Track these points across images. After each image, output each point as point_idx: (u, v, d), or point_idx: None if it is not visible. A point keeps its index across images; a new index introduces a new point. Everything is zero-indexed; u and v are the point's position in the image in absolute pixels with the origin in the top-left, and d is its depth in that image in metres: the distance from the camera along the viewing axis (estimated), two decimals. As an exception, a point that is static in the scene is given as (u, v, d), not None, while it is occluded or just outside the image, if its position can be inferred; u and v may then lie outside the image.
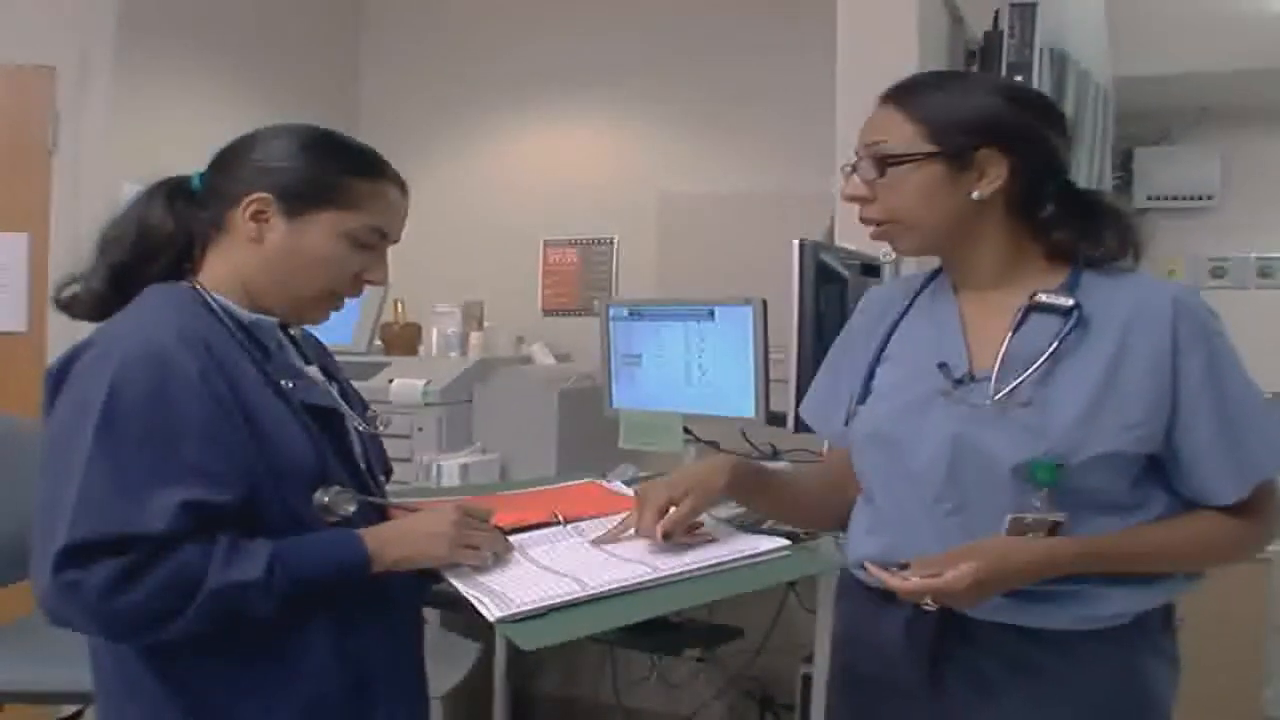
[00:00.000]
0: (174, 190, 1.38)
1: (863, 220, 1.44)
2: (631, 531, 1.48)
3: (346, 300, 1.42)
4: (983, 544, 1.28)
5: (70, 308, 1.36)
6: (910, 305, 1.50)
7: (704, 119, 3.61)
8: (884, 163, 1.36)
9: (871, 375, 1.47)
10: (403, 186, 1.40)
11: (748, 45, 3.53)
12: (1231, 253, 4.14)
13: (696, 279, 3.43)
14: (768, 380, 2.63)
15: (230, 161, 1.36)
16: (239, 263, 1.34)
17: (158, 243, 1.35)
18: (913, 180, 1.35)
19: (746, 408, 2.68)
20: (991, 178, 1.34)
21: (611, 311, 2.96)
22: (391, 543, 1.30)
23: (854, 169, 1.41)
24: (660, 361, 2.85)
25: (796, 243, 1.94)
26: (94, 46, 3.12)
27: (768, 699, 3.35)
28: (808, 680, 2.64)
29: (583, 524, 1.55)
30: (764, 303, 2.62)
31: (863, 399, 1.46)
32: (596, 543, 1.48)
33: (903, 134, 1.36)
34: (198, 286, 1.33)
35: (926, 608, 1.29)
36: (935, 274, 1.50)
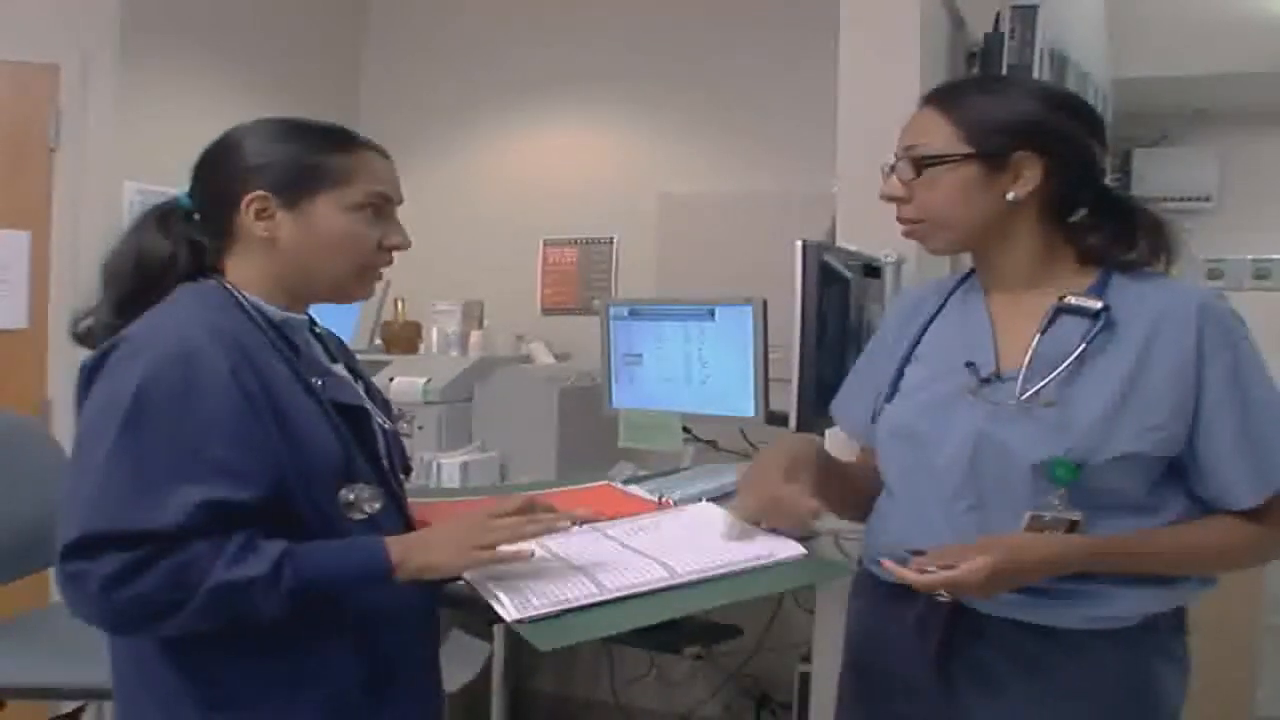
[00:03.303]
0: (165, 213, 1.38)
1: (899, 219, 1.45)
2: (650, 523, 1.48)
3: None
4: (999, 538, 1.29)
5: (86, 340, 1.37)
6: (942, 306, 1.51)
7: (704, 119, 3.62)
8: (921, 163, 1.38)
9: (901, 374, 1.48)
10: (382, 151, 1.41)
11: (749, 46, 3.53)
12: (1228, 254, 4.15)
13: (695, 279, 3.44)
14: (767, 380, 2.64)
15: (215, 169, 1.37)
16: (263, 264, 1.34)
17: (158, 268, 1.35)
18: (948, 180, 1.37)
19: (746, 407, 2.69)
20: (1026, 180, 1.36)
21: (612, 311, 2.97)
22: (414, 550, 1.29)
23: (893, 169, 1.43)
24: (660, 361, 2.86)
25: (800, 243, 1.94)
26: (96, 45, 3.12)
27: (765, 697, 3.36)
28: (805, 679, 2.65)
29: (600, 525, 1.55)
30: (764, 303, 2.63)
31: (890, 397, 1.47)
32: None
33: (941, 135, 1.38)
34: (228, 285, 1.34)
35: (940, 599, 1.30)
36: (968, 275, 1.52)
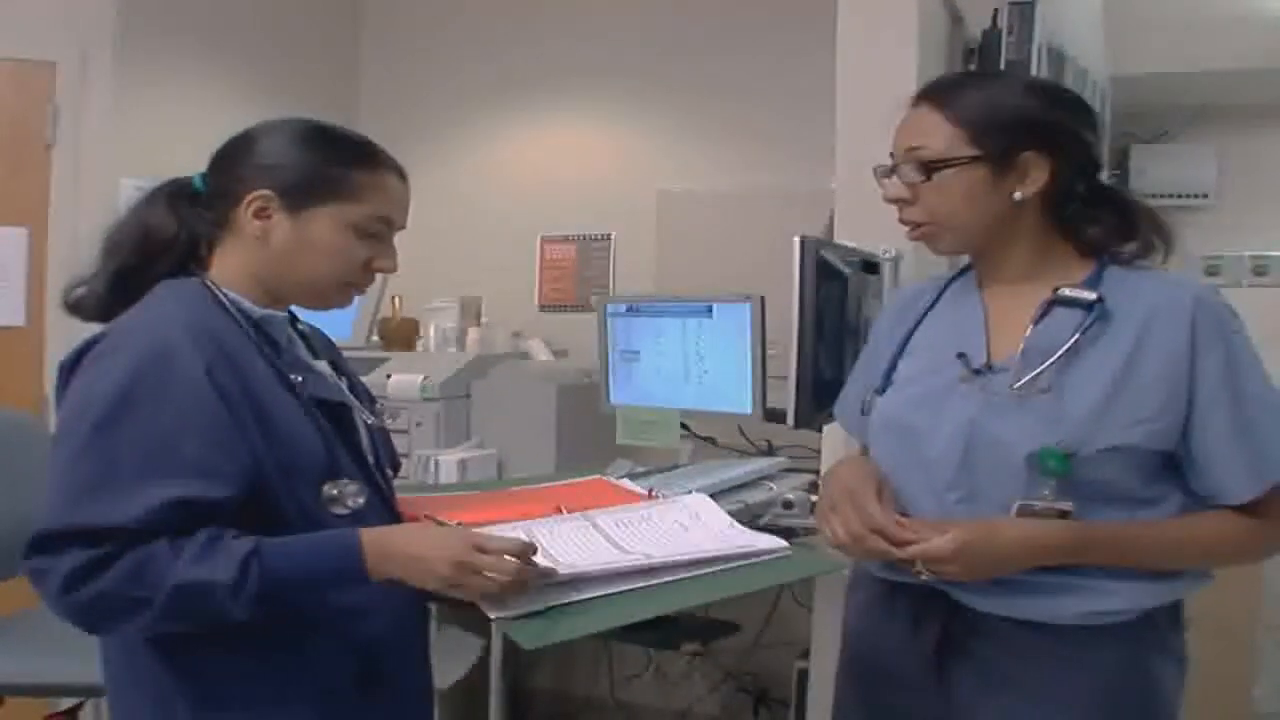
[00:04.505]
0: (176, 192, 1.38)
1: (903, 221, 1.45)
2: (638, 515, 1.50)
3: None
4: (979, 520, 1.30)
5: (77, 310, 1.37)
6: (937, 300, 1.51)
7: (702, 116, 3.62)
8: (928, 167, 1.37)
9: (894, 367, 1.48)
10: (401, 173, 1.40)
11: (747, 42, 3.53)
12: (1226, 250, 4.15)
13: (694, 276, 3.43)
14: (765, 377, 2.64)
15: (229, 160, 1.37)
16: (249, 260, 1.34)
17: (161, 245, 1.35)
18: (957, 183, 1.37)
19: (744, 404, 2.69)
20: (1034, 179, 1.36)
21: (610, 308, 2.97)
22: (390, 559, 1.24)
23: (892, 171, 1.42)
24: (658, 358, 2.86)
25: (798, 239, 1.94)
26: (94, 42, 3.12)
27: (763, 694, 3.37)
28: (803, 675, 2.65)
29: (589, 514, 1.55)
30: (762, 299, 2.62)
31: (883, 389, 1.48)
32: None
33: (944, 136, 1.37)
34: (208, 283, 1.33)
35: (919, 576, 1.31)
36: (964, 270, 1.52)
